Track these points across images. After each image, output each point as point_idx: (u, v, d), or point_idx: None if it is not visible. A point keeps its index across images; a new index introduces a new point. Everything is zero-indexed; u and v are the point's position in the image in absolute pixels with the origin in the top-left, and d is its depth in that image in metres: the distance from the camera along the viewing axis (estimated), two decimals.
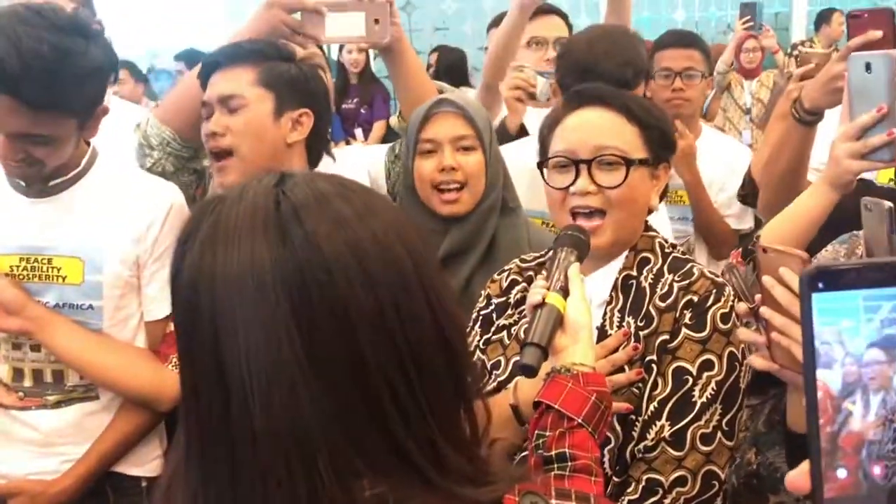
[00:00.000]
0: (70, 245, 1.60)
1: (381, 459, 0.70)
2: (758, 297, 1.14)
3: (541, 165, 1.42)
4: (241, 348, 0.69)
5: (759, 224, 2.43)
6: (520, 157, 2.05)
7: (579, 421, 1.09)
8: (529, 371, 1.12)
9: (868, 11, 1.59)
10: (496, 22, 2.91)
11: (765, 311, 1.10)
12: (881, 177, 2.00)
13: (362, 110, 5.72)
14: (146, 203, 1.64)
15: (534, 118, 2.51)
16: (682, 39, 2.75)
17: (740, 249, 1.58)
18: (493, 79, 2.35)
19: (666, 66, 2.64)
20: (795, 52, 5.39)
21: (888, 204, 1.30)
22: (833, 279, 0.54)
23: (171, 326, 1.66)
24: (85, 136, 1.60)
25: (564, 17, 2.60)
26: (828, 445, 0.53)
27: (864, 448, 0.53)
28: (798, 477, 0.55)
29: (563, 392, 1.10)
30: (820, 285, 0.54)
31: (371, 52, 5.81)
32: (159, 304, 1.67)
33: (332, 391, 0.69)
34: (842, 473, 0.53)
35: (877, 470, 0.54)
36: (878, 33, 1.54)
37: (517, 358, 1.38)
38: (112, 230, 1.61)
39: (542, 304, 1.16)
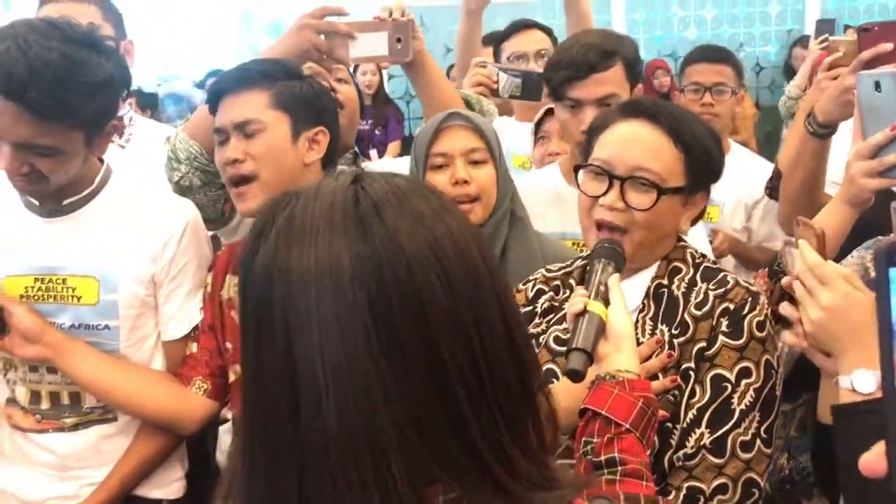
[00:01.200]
0: (85, 264, 1.59)
1: (455, 463, 0.68)
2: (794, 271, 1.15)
3: (578, 168, 1.42)
4: (316, 345, 0.67)
5: None
6: (540, 182, 2.09)
7: (627, 426, 1.08)
8: (577, 376, 1.11)
9: (878, 24, 1.59)
10: (485, 41, 2.95)
11: (786, 280, 1.14)
12: None
13: (377, 131, 5.74)
14: (162, 221, 1.63)
15: (510, 130, 2.54)
16: (713, 54, 2.72)
17: (766, 269, 1.56)
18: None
19: (696, 80, 2.62)
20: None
21: None
22: None
23: (192, 348, 1.67)
24: (93, 151, 1.58)
25: (548, 31, 2.60)
26: None
27: None
28: (874, 459, 0.53)
29: (610, 398, 1.10)
30: None
31: (385, 74, 5.84)
32: (177, 323, 1.66)
33: (407, 390, 0.67)
34: None
35: None
36: (889, 46, 1.54)
37: (548, 366, 1.36)
38: (127, 248, 1.60)
39: (583, 313, 1.16)
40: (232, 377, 1.67)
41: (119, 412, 1.64)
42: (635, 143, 1.36)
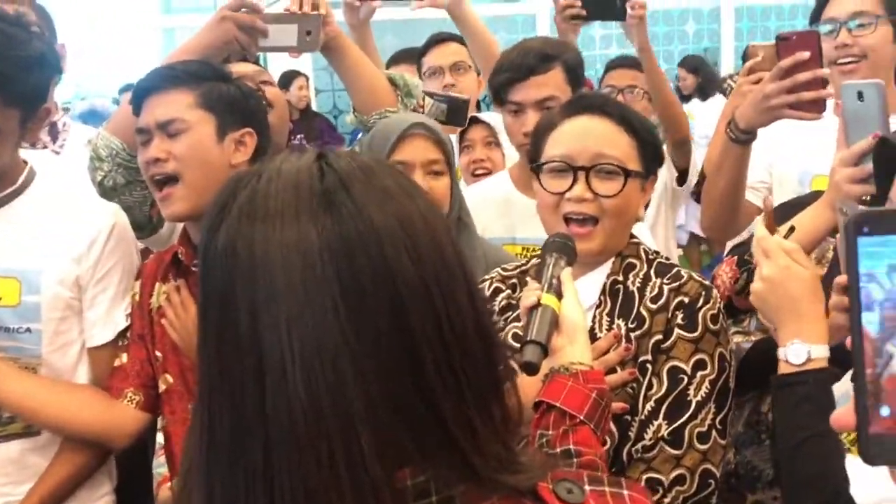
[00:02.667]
0: (5, 264, 1.52)
1: (425, 437, 0.67)
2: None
3: (535, 169, 1.42)
4: (282, 319, 0.65)
5: None
6: (490, 190, 2.12)
7: (581, 418, 1.08)
8: (532, 368, 1.11)
9: (796, 34, 1.65)
10: (394, 59, 3.00)
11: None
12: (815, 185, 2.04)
13: (308, 146, 5.71)
14: (87, 222, 1.58)
15: None
16: (627, 61, 2.93)
17: (735, 257, 1.57)
18: None
19: (611, 83, 2.83)
20: (725, 85, 5.49)
21: (861, 207, 1.32)
22: (878, 224, 0.55)
23: (122, 359, 1.62)
24: (27, 136, 1.53)
25: (463, 41, 2.63)
26: (871, 387, 0.54)
27: None
28: (844, 414, 0.56)
29: (564, 390, 1.10)
30: (865, 230, 0.55)
31: (313, 90, 5.80)
32: (102, 328, 1.60)
33: (377, 362, 0.66)
34: (885, 412, 0.54)
35: None
36: (807, 54, 1.59)
37: (519, 362, 1.34)
38: (50, 249, 1.54)
39: (537, 306, 1.16)
40: (162, 386, 1.62)
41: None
42: (591, 134, 1.38)
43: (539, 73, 1.89)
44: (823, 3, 1.99)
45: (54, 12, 2.28)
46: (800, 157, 2.02)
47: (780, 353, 1.15)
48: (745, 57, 1.98)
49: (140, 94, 1.61)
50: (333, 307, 0.65)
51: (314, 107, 5.96)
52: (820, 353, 1.13)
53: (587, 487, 0.73)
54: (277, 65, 5.89)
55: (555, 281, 1.19)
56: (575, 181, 1.36)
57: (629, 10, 2.28)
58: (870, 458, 0.54)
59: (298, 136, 5.73)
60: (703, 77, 5.75)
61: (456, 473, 0.67)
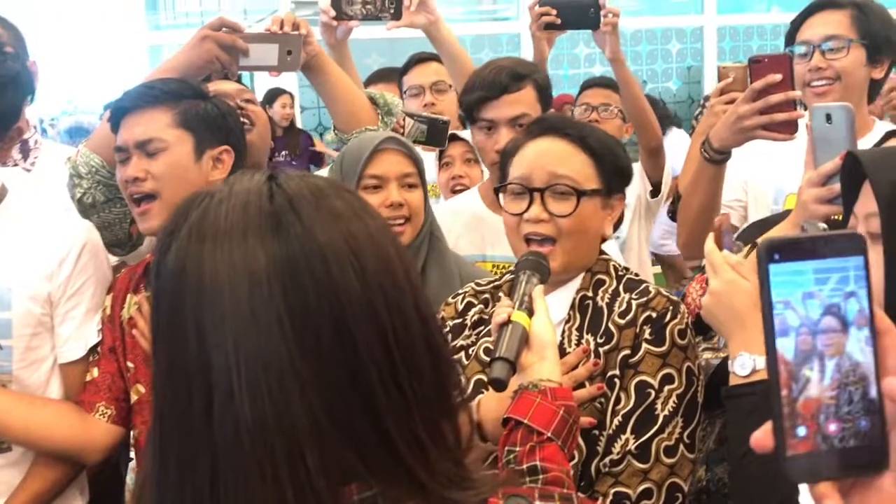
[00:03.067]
0: None
1: (370, 454, 0.67)
2: None
3: (498, 191, 1.45)
4: (229, 336, 0.66)
5: None
6: (460, 208, 2.14)
7: (549, 435, 1.09)
8: (499, 385, 1.12)
9: (768, 56, 1.68)
10: (372, 78, 3.01)
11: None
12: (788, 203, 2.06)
13: (293, 162, 5.71)
14: (59, 239, 1.58)
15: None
16: (601, 81, 3.02)
17: (705, 275, 1.59)
18: None
19: (586, 101, 2.90)
20: (707, 104, 5.51)
21: (822, 225, 1.35)
22: (788, 251, 0.57)
23: (94, 373, 1.62)
24: None
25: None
26: (787, 409, 0.56)
27: (822, 412, 0.56)
28: (762, 436, 0.56)
29: (532, 407, 1.11)
30: (776, 256, 0.56)
31: (298, 108, 5.82)
32: (73, 344, 1.60)
33: (322, 379, 0.66)
34: (801, 432, 0.56)
35: (832, 428, 0.56)
36: (778, 77, 1.63)
37: (478, 377, 1.36)
38: (22, 266, 1.54)
39: (507, 323, 1.17)
40: (134, 397, 1.62)
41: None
42: (547, 156, 1.41)
43: (512, 91, 1.92)
44: (798, 26, 2.04)
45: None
46: (774, 175, 2.05)
47: (729, 364, 1.17)
48: (719, 78, 2.01)
49: (118, 112, 1.62)
50: (279, 326, 0.66)
51: (299, 124, 5.97)
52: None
53: (537, 503, 0.74)
54: (263, 82, 5.92)
55: (526, 298, 1.21)
56: (531, 202, 1.39)
57: (602, 19, 2.31)
58: (790, 477, 0.55)
59: (283, 153, 5.75)
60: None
61: (404, 490, 0.68)
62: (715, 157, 1.78)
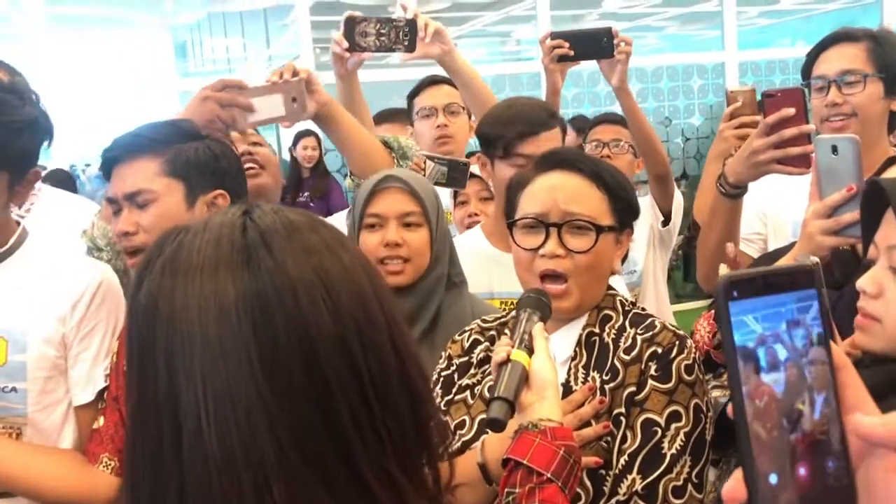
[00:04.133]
0: None
1: (342, 490, 0.67)
2: None
3: (510, 225, 1.43)
4: (197, 371, 0.66)
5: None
6: (464, 246, 2.10)
7: (549, 476, 1.07)
8: (498, 425, 1.10)
9: (781, 91, 1.67)
10: (379, 118, 2.99)
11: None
12: None
13: (311, 203, 5.76)
14: (73, 281, 1.58)
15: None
16: (611, 117, 3.03)
17: (713, 311, 1.58)
18: None
19: (596, 138, 2.91)
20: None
21: (815, 259, 1.36)
22: (747, 286, 0.56)
23: (99, 422, 1.60)
24: (14, 198, 1.54)
25: (455, 85, 2.62)
26: (777, 450, 0.54)
27: (811, 453, 0.54)
28: (735, 486, 0.55)
29: (532, 447, 1.09)
30: (735, 294, 0.55)
31: (323, 148, 5.88)
32: (83, 387, 1.59)
33: (290, 414, 0.66)
34: (773, 479, 0.54)
35: (802, 472, 0.54)
36: (792, 111, 1.62)
37: (483, 416, 1.34)
38: (37, 308, 1.54)
39: (506, 361, 1.16)
40: None
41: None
42: (563, 191, 1.39)
43: (550, 128, 1.96)
44: (813, 60, 2.03)
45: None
46: (793, 208, 2.03)
47: None
48: (727, 102, 2.01)
49: (108, 163, 1.62)
50: (248, 361, 0.66)
51: (326, 163, 6.03)
52: None
53: None
54: (296, 126, 5.96)
55: (526, 336, 1.19)
56: (547, 237, 1.37)
57: (616, 47, 2.31)
58: None
59: (305, 194, 5.80)
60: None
61: None
62: (731, 192, 1.77)
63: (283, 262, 0.69)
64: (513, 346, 1.18)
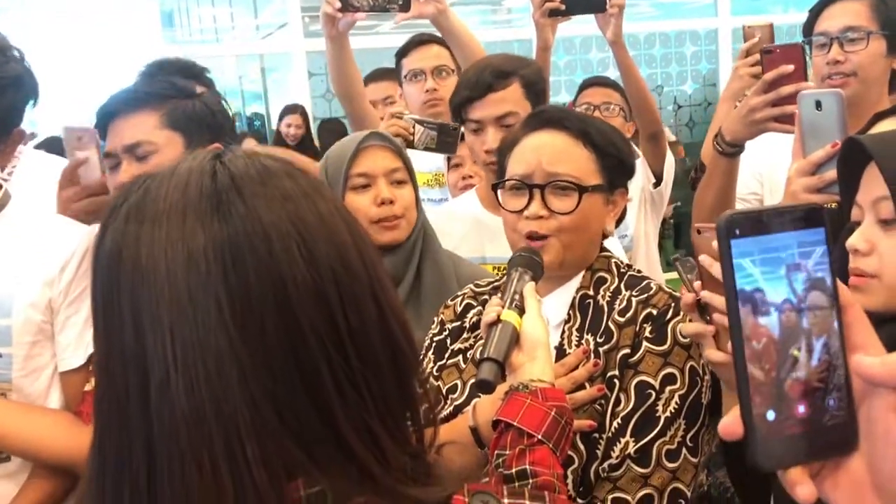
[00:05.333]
0: None
1: (318, 446, 0.64)
2: (697, 283, 1.12)
3: (496, 187, 1.41)
4: (165, 320, 0.63)
5: None
6: (458, 210, 2.11)
7: (539, 437, 1.05)
8: (487, 387, 1.08)
9: (780, 47, 1.64)
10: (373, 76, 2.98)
11: (704, 293, 1.10)
12: None
13: None
14: (60, 245, 1.55)
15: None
16: (601, 80, 2.98)
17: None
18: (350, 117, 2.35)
19: (587, 101, 2.86)
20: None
21: (692, 260, 1.31)
22: (748, 225, 0.54)
23: (91, 384, 1.58)
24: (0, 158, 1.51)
25: (447, 45, 2.57)
26: (774, 391, 0.53)
27: (791, 395, 0.54)
28: (732, 422, 0.54)
29: (522, 409, 1.07)
30: (737, 231, 0.54)
31: (312, 123, 5.83)
32: (73, 351, 1.57)
33: (264, 367, 0.63)
34: (771, 416, 0.53)
35: (801, 410, 0.54)
36: (790, 67, 1.59)
37: (474, 380, 1.32)
38: (23, 272, 1.52)
39: (496, 322, 1.13)
40: None
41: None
42: (547, 150, 1.36)
43: (497, 89, 1.89)
44: (816, 16, 1.99)
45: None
46: (786, 167, 2.01)
47: None
48: (744, 38, 1.96)
49: (105, 118, 1.60)
50: (217, 309, 0.63)
51: (314, 133, 5.99)
52: None
53: (505, 501, 0.71)
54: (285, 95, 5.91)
55: (517, 296, 1.17)
56: (531, 199, 1.34)
57: (609, 1, 2.28)
58: (760, 464, 0.53)
59: None
60: None
61: (354, 484, 0.64)
62: (728, 150, 1.75)
63: (256, 208, 0.65)
64: (503, 307, 1.15)
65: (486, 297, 1.47)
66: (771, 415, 0.53)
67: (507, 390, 1.10)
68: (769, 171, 2.08)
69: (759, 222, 0.54)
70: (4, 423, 1.50)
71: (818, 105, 1.35)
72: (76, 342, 1.57)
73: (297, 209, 0.67)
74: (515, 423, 1.05)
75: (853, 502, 0.54)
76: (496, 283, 1.49)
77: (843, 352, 0.55)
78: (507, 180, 1.38)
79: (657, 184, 2.58)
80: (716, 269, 1.07)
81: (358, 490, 0.64)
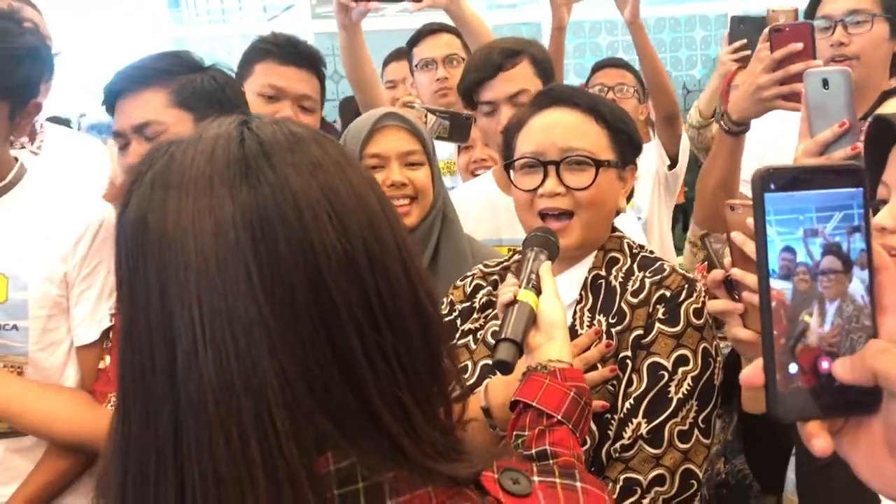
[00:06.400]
0: None
1: (349, 419, 0.62)
2: (727, 260, 1.12)
3: (507, 167, 1.39)
4: (193, 289, 0.61)
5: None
6: (475, 192, 2.09)
7: (559, 417, 1.04)
8: (505, 367, 1.08)
9: (789, 25, 1.63)
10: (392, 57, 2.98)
11: (735, 271, 1.10)
12: None
13: None
14: (76, 219, 1.55)
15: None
16: (615, 62, 3.00)
17: (706, 263, 1.55)
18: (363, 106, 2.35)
19: (600, 81, 2.88)
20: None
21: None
22: (786, 180, 0.55)
23: (106, 361, 1.58)
24: (15, 130, 1.51)
25: (458, 33, 2.57)
26: (798, 344, 0.54)
27: (818, 352, 0.54)
28: (752, 373, 0.55)
29: (541, 389, 1.06)
30: (772, 186, 0.54)
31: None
32: (87, 327, 1.57)
33: (295, 337, 0.61)
34: (793, 369, 0.53)
35: (825, 366, 0.54)
36: (800, 45, 1.58)
37: (486, 361, 1.32)
38: (38, 246, 1.52)
39: (513, 302, 1.13)
40: None
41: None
42: (559, 127, 1.35)
43: (507, 68, 1.89)
44: (818, 1, 1.99)
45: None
46: (792, 149, 2.01)
47: None
48: (767, 22, 1.96)
49: (111, 96, 1.58)
50: (247, 278, 0.61)
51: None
52: None
53: (535, 478, 0.70)
54: None
55: (533, 276, 1.16)
56: (546, 176, 1.33)
57: None
58: (779, 416, 0.54)
59: None
60: None
61: (384, 458, 0.63)
62: (734, 129, 1.74)
63: (286, 176, 0.63)
64: (520, 287, 1.14)
65: (495, 277, 1.47)
66: (793, 367, 0.53)
67: (525, 371, 1.10)
68: (773, 153, 2.07)
69: (796, 178, 0.54)
70: (20, 401, 1.50)
71: (825, 84, 1.32)
72: (90, 317, 1.57)
73: (328, 178, 0.65)
74: (535, 404, 1.05)
75: (869, 461, 0.54)
76: (506, 264, 1.48)
77: (873, 313, 0.54)
78: (519, 159, 1.37)
79: (672, 166, 2.57)
80: (748, 247, 1.07)
81: (388, 465, 0.64)
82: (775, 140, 2.03)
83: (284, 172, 0.64)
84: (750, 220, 1.11)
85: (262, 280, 0.61)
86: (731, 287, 1.14)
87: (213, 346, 0.60)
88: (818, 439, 0.54)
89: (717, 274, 1.14)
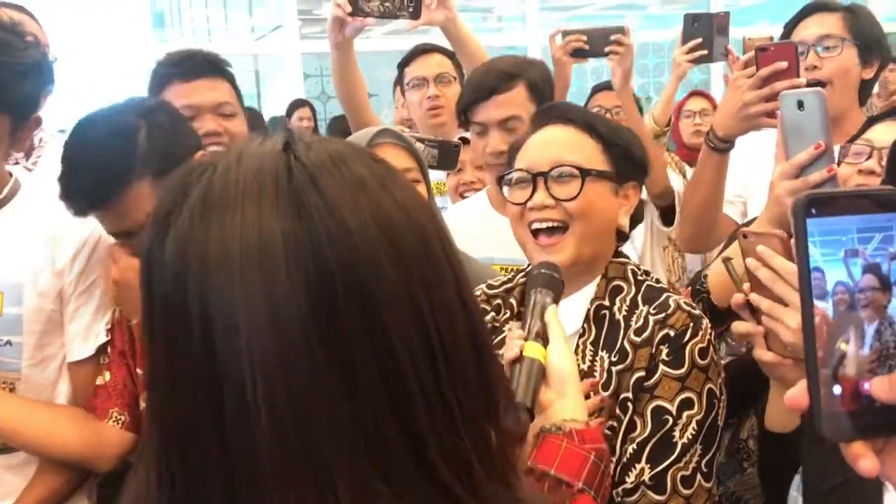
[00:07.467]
0: None
1: (407, 480, 0.57)
2: (746, 286, 1.13)
3: (501, 183, 1.40)
4: (242, 338, 0.55)
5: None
6: (469, 210, 2.09)
7: (580, 486, 0.97)
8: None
9: (774, 45, 1.66)
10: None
11: (754, 296, 1.11)
12: None
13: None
14: (71, 234, 1.55)
15: None
16: (611, 85, 2.98)
17: (689, 288, 1.57)
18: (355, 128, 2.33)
19: (598, 104, 3.06)
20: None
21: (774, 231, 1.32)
22: (826, 205, 0.55)
23: (105, 377, 1.58)
24: (15, 144, 1.51)
25: (450, 54, 2.59)
26: (842, 366, 0.54)
27: (860, 372, 0.54)
28: (798, 394, 0.55)
29: (559, 454, 0.99)
30: (813, 211, 0.55)
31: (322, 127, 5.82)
32: (81, 343, 1.56)
33: (351, 390, 0.56)
34: (837, 390, 0.54)
35: (868, 387, 0.54)
36: (784, 64, 1.61)
37: None
38: (34, 260, 1.51)
39: (520, 358, 1.06)
40: (143, 404, 1.57)
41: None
42: (552, 144, 1.36)
43: (501, 91, 1.89)
44: (791, 29, 2.08)
45: (50, 42, 2.29)
46: (772, 170, 2.04)
47: None
48: (744, 50, 2.00)
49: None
50: (302, 323, 0.55)
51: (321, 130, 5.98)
52: None
53: None
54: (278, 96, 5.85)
55: (538, 324, 1.10)
56: (535, 189, 1.32)
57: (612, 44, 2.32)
58: (826, 436, 0.54)
59: None
60: None
61: None
62: (720, 146, 1.77)
63: (336, 207, 0.57)
64: (525, 339, 1.08)
65: (498, 300, 1.43)
66: (837, 389, 0.54)
67: (538, 432, 1.03)
68: (752, 175, 2.09)
69: (837, 203, 0.55)
70: (14, 418, 1.48)
71: (800, 105, 1.31)
72: (85, 333, 1.56)
73: (378, 202, 0.59)
74: (553, 473, 0.98)
75: None
76: (509, 286, 1.44)
77: None
78: (512, 172, 1.37)
79: (668, 223, 2.57)
80: (762, 274, 1.10)
81: None
82: (752, 162, 2.07)
83: (334, 202, 0.58)
84: (761, 248, 1.14)
85: (317, 327, 0.55)
86: (753, 310, 1.16)
87: (267, 407, 0.55)
88: (865, 460, 0.54)
89: (739, 297, 1.16)
